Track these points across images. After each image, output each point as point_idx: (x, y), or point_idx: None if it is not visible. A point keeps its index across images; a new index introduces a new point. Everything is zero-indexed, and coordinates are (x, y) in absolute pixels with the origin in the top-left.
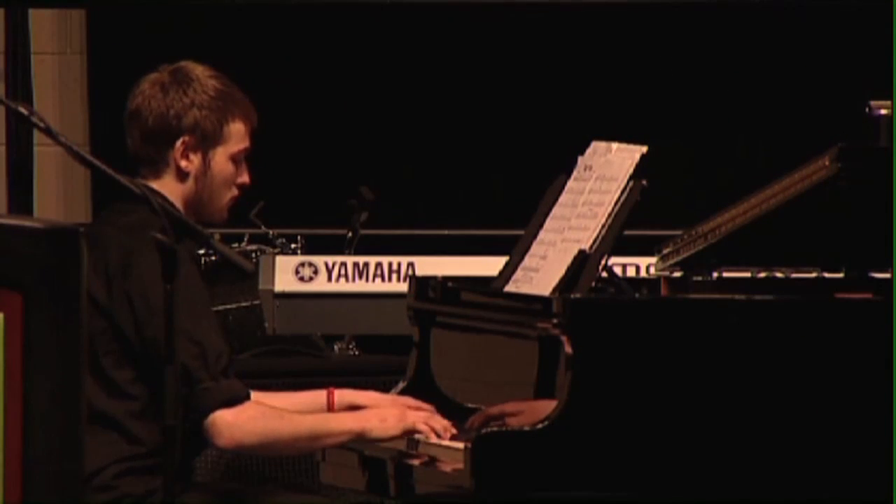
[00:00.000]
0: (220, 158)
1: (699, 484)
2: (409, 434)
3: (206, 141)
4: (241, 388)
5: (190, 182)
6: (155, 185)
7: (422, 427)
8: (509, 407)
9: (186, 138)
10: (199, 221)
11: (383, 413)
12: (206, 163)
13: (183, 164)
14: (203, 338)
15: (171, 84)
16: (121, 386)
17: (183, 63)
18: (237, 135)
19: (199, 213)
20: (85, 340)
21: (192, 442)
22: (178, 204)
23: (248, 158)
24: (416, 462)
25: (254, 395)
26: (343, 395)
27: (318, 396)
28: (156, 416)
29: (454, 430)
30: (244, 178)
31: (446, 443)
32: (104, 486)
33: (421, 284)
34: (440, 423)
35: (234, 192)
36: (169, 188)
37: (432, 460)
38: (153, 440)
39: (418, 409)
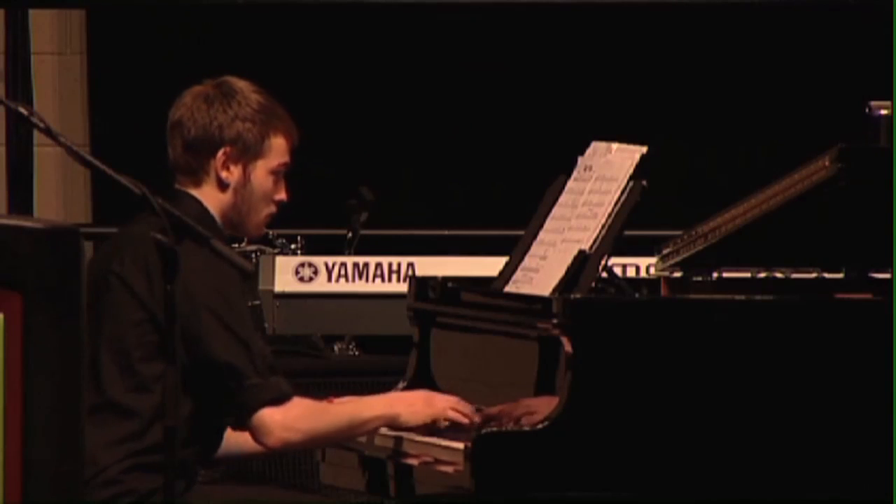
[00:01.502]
0: (260, 172)
1: (699, 484)
2: (438, 420)
3: (248, 153)
4: (287, 385)
5: (229, 193)
6: (194, 193)
7: (452, 414)
8: (509, 407)
9: (228, 149)
10: (236, 235)
11: (410, 398)
12: (246, 175)
13: (223, 174)
14: (248, 337)
15: (215, 96)
16: (146, 380)
17: (226, 77)
18: (278, 149)
19: (236, 226)
20: (85, 340)
21: (204, 444)
22: (216, 214)
23: (286, 175)
24: (416, 462)
25: None
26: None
27: None
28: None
29: (477, 417)
30: (282, 194)
31: (446, 443)
32: (111, 480)
33: (421, 285)
34: (466, 407)
35: (272, 208)
36: (209, 197)
37: (432, 460)
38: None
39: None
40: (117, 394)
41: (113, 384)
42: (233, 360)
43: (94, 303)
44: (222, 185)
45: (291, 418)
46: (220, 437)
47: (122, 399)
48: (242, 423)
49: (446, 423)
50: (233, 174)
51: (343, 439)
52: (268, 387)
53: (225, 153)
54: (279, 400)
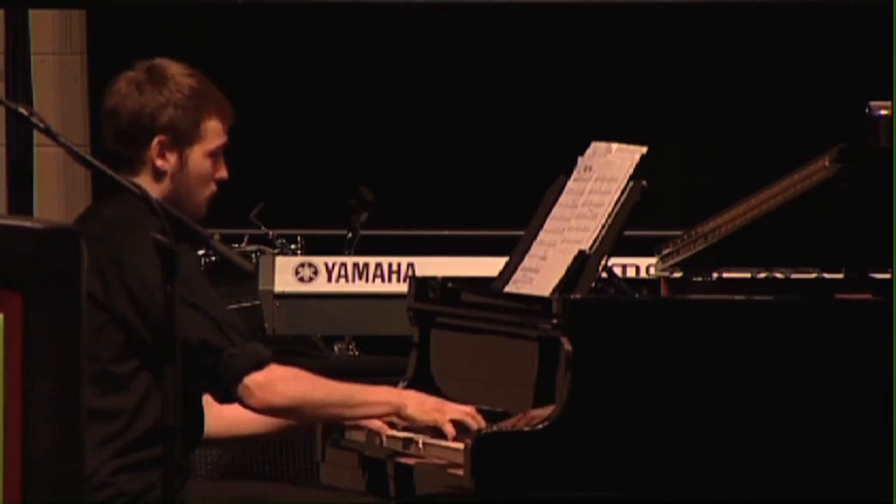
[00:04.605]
0: (197, 156)
1: (700, 484)
2: (443, 425)
3: (182, 140)
4: (265, 349)
5: (166, 181)
6: None
7: (468, 420)
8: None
9: (162, 137)
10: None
11: (423, 396)
12: (182, 161)
13: (159, 162)
14: (215, 312)
15: (146, 82)
16: (121, 380)
17: (158, 60)
18: (213, 132)
19: (176, 210)
20: (85, 340)
21: (188, 437)
22: None
23: (226, 153)
24: (415, 462)
25: None
26: None
27: None
28: (153, 408)
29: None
30: (222, 173)
31: (445, 443)
32: (102, 483)
33: (421, 285)
34: (478, 420)
35: (213, 187)
36: (146, 186)
37: (432, 460)
38: (150, 433)
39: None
40: (94, 398)
41: (89, 390)
42: (205, 336)
43: None
44: (158, 174)
45: (274, 380)
46: (202, 426)
47: (100, 403)
48: (228, 395)
49: (451, 430)
50: (169, 161)
51: (337, 416)
52: (245, 354)
53: (160, 142)
54: (259, 364)
